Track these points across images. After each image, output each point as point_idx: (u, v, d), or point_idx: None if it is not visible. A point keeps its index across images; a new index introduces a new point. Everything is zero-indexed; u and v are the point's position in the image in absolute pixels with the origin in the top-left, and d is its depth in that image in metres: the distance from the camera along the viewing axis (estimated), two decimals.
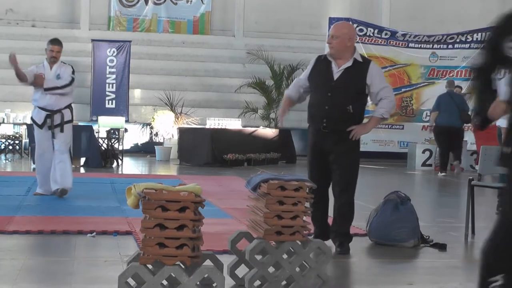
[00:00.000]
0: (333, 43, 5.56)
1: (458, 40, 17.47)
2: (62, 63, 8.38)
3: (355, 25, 17.29)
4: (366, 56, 16.82)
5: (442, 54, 17.45)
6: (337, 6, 20.48)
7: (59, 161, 8.24)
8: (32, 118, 8.50)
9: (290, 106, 5.85)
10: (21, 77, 8.04)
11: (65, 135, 8.34)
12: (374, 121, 5.68)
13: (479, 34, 17.43)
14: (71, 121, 8.41)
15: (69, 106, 8.38)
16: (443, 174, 14.04)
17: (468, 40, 17.45)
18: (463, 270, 5.47)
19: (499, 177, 7.99)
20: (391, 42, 17.38)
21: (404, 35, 17.39)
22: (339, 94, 5.50)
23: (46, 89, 8.16)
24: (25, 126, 14.94)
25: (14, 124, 15.91)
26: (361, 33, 17.29)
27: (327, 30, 17.20)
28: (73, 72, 8.34)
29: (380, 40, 17.38)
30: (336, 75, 5.57)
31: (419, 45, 17.43)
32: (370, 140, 16.99)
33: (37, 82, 8.14)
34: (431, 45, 17.42)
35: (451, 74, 17.32)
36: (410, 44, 17.42)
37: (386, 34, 17.45)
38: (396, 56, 17.40)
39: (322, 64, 5.67)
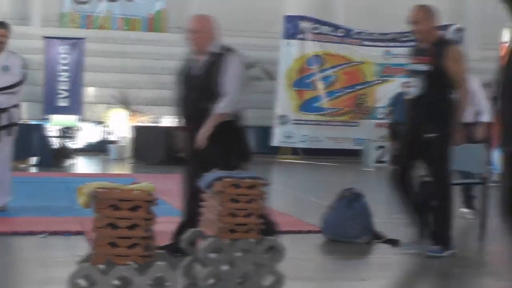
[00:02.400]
0: (195, 38, 5.20)
1: (412, 38, 17.66)
2: (11, 53, 7.09)
3: (311, 23, 17.41)
4: (321, 52, 16.99)
5: (396, 52, 17.61)
6: (293, 4, 20.52)
7: (2, 172, 7.07)
8: None
9: None
10: None
11: (12, 140, 7.14)
12: (213, 120, 5.17)
13: None
14: (18, 123, 7.24)
15: (17, 105, 7.15)
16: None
17: None
18: (416, 265, 5.53)
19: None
20: (346, 40, 17.49)
21: (359, 33, 17.52)
22: (197, 92, 5.22)
23: None
24: None
25: None
26: (316, 31, 17.37)
27: (282, 28, 17.28)
28: (24, 66, 7.10)
29: (335, 38, 17.48)
30: (196, 72, 5.24)
31: (374, 43, 17.58)
32: (325, 137, 17.09)
33: None
34: (385, 43, 17.60)
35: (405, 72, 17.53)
36: (365, 42, 17.56)
37: (341, 32, 17.57)
38: (351, 54, 17.51)
39: (188, 62, 5.38)
